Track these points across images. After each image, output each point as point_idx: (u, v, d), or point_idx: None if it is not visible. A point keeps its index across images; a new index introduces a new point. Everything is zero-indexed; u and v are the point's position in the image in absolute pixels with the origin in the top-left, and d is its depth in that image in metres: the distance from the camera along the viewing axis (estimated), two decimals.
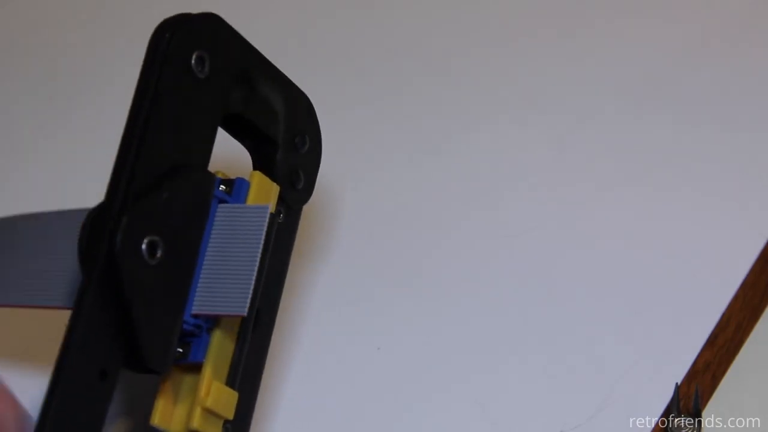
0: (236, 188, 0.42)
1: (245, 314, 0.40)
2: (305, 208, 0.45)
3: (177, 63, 0.40)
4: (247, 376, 0.43)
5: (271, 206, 0.43)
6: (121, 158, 0.39)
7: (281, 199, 0.44)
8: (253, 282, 0.40)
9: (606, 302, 0.54)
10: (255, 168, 0.44)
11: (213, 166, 0.43)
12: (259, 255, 0.40)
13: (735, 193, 0.57)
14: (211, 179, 0.41)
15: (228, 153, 0.45)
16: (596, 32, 0.63)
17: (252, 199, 0.43)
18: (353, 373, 0.53)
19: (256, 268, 0.40)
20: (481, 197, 0.58)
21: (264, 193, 0.43)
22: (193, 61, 0.40)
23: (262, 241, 0.41)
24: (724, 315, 0.53)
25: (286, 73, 0.45)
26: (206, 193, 0.41)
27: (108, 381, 0.38)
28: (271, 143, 0.44)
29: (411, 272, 0.55)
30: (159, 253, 0.39)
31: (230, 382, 0.42)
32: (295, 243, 0.45)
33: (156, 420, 0.41)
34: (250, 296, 0.40)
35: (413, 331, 0.54)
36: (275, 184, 0.44)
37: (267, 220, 0.41)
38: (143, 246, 0.38)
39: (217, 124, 0.42)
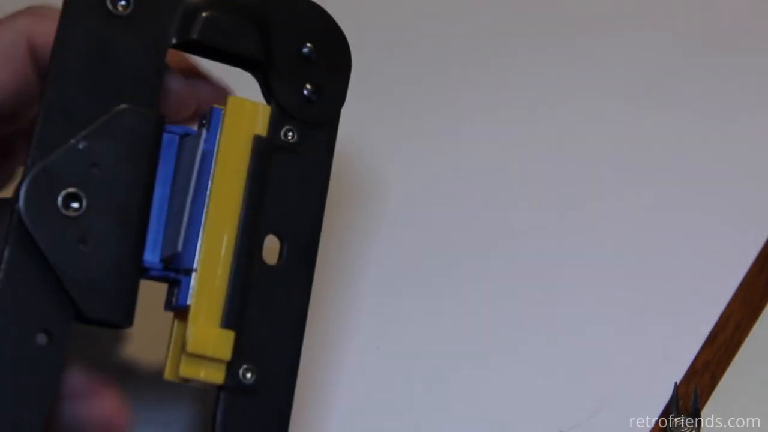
0: (211, 119, 0.41)
1: (179, 250, 0.39)
2: None
3: (88, 7, 0.39)
4: (263, 313, 0.41)
5: (259, 128, 0.41)
6: (36, 118, 0.38)
7: (291, 117, 0.42)
8: (186, 215, 0.39)
9: (605, 302, 0.54)
10: (263, 92, 0.42)
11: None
12: (190, 187, 0.39)
13: (735, 193, 0.57)
14: (150, 117, 0.39)
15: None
16: (596, 32, 0.63)
17: (227, 127, 0.41)
18: (353, 373, 0.53)
19: (188, 201, 0.39)
20: (481, 197, 0.58)
21: (241, 117, 0.41)
22: (108, 1, 0.39)
23: (172, 167, 0.40)
24: (723, 314, 0.54)
25: None
26: (145, 132, 0.39)
27: (55, 341, 0.37)
28: (261, 63, 0.42)
29: (411, 272, 0.55)
30: (82, 204, 0.38)
31: (226, 323, 0.40)
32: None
33: (166, 374, 0.40)
34: (183, 231, 0.39)
35: (413, 331, 0.54)
36: (259, 104, 0.41)
37: (176, 146, 0.40)
38: (59, 199, 0.38)
39: (159, 59, 0.40)
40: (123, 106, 0.39)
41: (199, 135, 0.40)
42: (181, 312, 0.40)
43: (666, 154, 0.59)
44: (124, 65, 0.39)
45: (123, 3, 0.39)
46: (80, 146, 0.38)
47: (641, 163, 0.58)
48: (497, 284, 0.55)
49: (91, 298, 0.38)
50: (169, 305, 0.41)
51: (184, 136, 0.41)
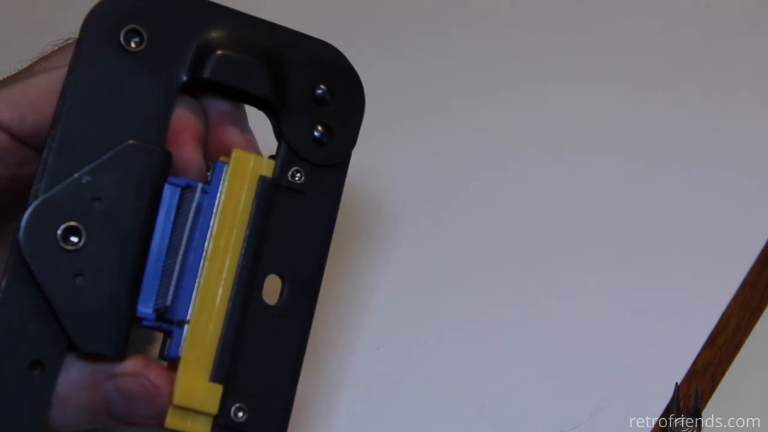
0: (214, 172, 0.40)
1: (172, 302, 0.39)
2: None
3: (101, 42, 0.39)
4: (258, 352, 0.40)
5: (264, 173, 0.41)
6: (43, 150, 0.38)
7: (300, 158, 0.41)
8: (180, 267, 0.39)
9: (606, 302, 0.54)
10: (274, 132, 0.42)
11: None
12: (184, 238, 0.39)
13: (735, 193, 0.57)
14: (156, 153, 0.39)
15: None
16: (597, 31, 0.63)
17: (230, 179, 0.40)
18: (353, 373, 0.53)
19: (180, 254, 0.39)
20: (481, 197, 0.58)
21: (244, 171, 0.41)
22: (121, 37, 0.39)
23: (172, 218, 0.39)
24: (723, 315, 0.54)
25: None
26: (150, 169, 0.39)
27: (46, 370, 0.38)
28: (272, 103, 0.41)
29: (410, 272, 0.55)
30: (81, 238, 0.38)
31: (215, 376, 0.40)
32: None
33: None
34: (177, 283, 0.39)
35: (413, 331, 0.54)
36: (260, 156, 0.41)
37: (177, 197, 0.40)
38: (58, 232, 0.38)
39: (169, 96, 0.40)
40: (130, 141, 0.39)
41: (196, 187, 0.40)
42: (172, 363, 0.40)
43: (666, 155, 0.59)
44: (134, 101, 0.39)
45: (136, 39, 0.39)
46: (84, 180, 0.38)
47: (641, 163, 0.58)
48: (497, 284, 0.55)
49: (84, 330, 0.38)
50: (161, 355, 0.40)
51: (185, 188, 0.40)
